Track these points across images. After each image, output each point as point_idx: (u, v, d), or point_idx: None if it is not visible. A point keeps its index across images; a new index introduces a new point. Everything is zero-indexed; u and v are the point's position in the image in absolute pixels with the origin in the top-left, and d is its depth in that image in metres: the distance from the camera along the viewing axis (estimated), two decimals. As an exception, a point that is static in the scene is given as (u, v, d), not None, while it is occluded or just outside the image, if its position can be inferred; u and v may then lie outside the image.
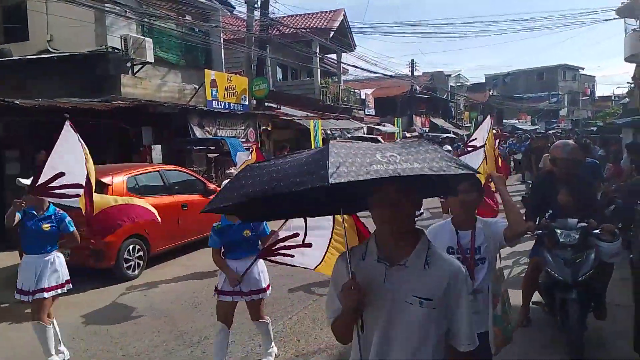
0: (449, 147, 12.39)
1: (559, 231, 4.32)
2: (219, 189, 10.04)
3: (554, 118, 58.75)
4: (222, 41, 15.95)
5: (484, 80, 61.18)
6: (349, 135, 20.90)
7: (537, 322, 4.96)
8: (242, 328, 5.02)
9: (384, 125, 26.96)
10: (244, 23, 17.08)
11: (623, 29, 22.02)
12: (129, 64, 12.32)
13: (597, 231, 4.30)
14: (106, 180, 7.25)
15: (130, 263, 7.33)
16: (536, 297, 4.98)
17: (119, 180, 7.42)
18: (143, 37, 12.32)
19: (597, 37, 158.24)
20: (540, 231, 4.48)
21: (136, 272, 7.40)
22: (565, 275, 4.17)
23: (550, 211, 4.61)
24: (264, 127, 15.42)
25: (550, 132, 36.67)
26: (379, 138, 23.22)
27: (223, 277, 4.24)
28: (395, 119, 28.25)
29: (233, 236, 4.24)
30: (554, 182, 4.49)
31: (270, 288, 4.48)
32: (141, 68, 12.56)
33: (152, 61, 12.51)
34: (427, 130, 33.33)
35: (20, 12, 12.55)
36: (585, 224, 4.30)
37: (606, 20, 19.05)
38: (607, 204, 6.32)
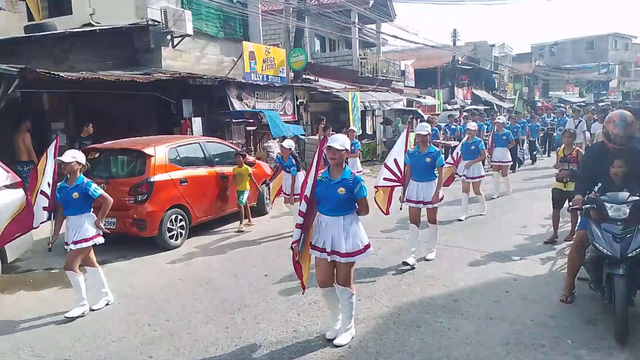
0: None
1: (608, 205, 4.15)
2: (257, 161, 10.15)
3: (604, 90, 56.13)
4: (260, 12, 15.82)
5: (529, 50, 58.88)
6: (388, 108, 20.58)
7: (582, 299, 4.82)
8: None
9: (424, 98, 26.43)
10: (282, -6, 16.90)
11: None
12: (168, 37, 12.42)
13: (649, 205, 4.10)
14: (148, 151, 7.40)
15: (172, 232, 7.50)
16: (582, 273, 4.83)
17: (160, 151, 7.54)
18: (182, 9, 12.36)
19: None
20: (588, 205, 4.32)
21: (178, 241, 7.57)
22: (613, 250, 4.01)
23: (600, 184, 4.42)
24: (301, 100, 15.35)
25: (599, 104, 35.13)
26: (419, 110, 22.80)
27: (413, 191, 6.29)
28: (436, 91, 27.64)
29: None
30: (606, 154, 4.28)
31: (443, 199, 6.40)
32: (181, 40, 12.64)
33: (192, 33, 12.57)
34: (469, 103, 32.50)
35: (63, -13, 12.77)
36: (636, 198, 4.11)
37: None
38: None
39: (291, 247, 4.12)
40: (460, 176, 9.11)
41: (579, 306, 4.73)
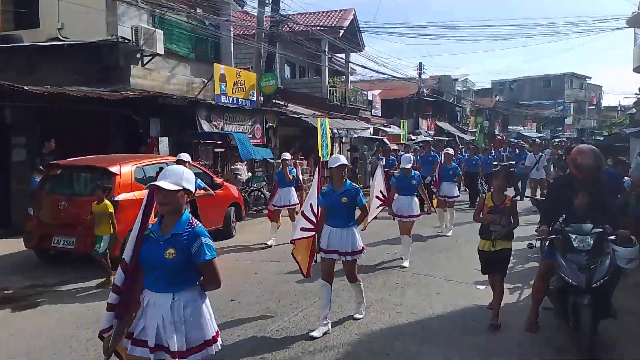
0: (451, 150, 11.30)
1: (573, 236, 4.27)
2: (225, 183, 10.03)
3: (560, 126, 58.71)
4: (232, 35, 15.89)
5: (490, 86, 61.13)
6: (356, 136, 20.84)
7: (547, 327, 4.90)
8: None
9: (390, 127, 26.89)
10: (254, 19, 17.03)
11: (633, 38, 21.91)
12: (138, 55, 12.27)
13: (612, 237, 4.26)
14: (114, 169, 7.21)
15: (135, 254, 7.26)
16: (546, 302, 4.93)
17: (126, 170, 7.36)
18: (154, 29, 12.27)
19: (605, 46, 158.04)
20: (553, 235, 4.44)
21: (141, 263, 7.32)
22: (579, 280, 4.12)
23: (564, 215, 4.56)
24: (270, 124, 15.37)
25: (556, 140, 36.59)
26: (385, 139, 23.18)
27: (325, 238, 5.03)
28: (402, 121, 28.17)
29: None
30: (572, 186, 4.44)
31: (364, 251, 5.21)
32: (151, 59, 12.51)
33: (162, 53, 12.47)
34: (432, 134, 33.26)
35: (31, -1, 12.52)
36: (600, 230, 4.25)
37: (618, 28, 18.86)
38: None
39: (100, 337, 2.94)
40: (400, 217, 7.77)
41: (545, 335, 4.80)
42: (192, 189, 2.85)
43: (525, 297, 5.91)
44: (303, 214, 5.31)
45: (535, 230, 5.79)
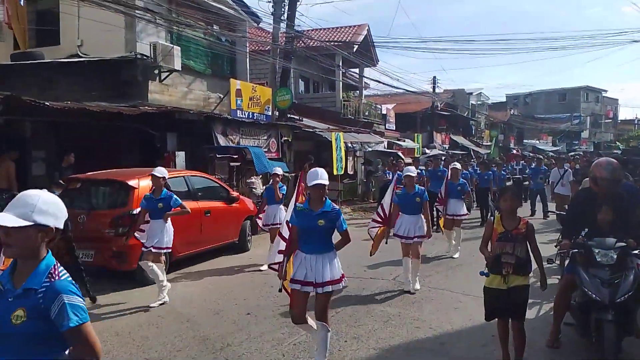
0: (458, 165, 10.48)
1: (596, 250, 4.19)
2: (242, 196, 10.07)
3: (576, 140, 58.11)
4: (247, 52, 16.08)
5: (504, 100, 60.82)
6: (370, 149, 20.85)
7: (569, 344, 4.80)
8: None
9: (404, 141, 26.86)
10: (270, 35, 17.22)
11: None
12: (156, 71, 12.46)
13: (636, 252, 4.18)
14: (132, 183, 7.30)
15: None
16: (568, 317, 4.84)
17: (145, 183, 7.43)
18: (171, 45, 12.46)
19: (620, 59, 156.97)
20: (576, 249, 4.37)
21: (157, 276, 7.36)
22: (602, 295, 4.03)
23: (587, 229, 4.49)
24: (285, 138, 15.46)
25: (572, 154, 36.20)
26: (399, 153, 23.14)
27: (299, 267, 4.31)
28: (416, 134, 28.13)
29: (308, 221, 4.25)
30: (593, 199, 4.38)
31: (344, 282, 4.45)
32: (168, 75, 12.69)
33: (180, 69, 12.65)
34: (446, 147, 33.13)
35: (52, 17, 12.83)
36: (624, 244, 4.18)
37: (636, 41, 18.72)
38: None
39: None
40: (401, 237, 6.99)
41: (566, 351, 4.71)
42: (55, 224, 2.03)
43: (545, 312, 5.81)
44: (280, 234, 4.81)
45: (555, 245, 5.73)
